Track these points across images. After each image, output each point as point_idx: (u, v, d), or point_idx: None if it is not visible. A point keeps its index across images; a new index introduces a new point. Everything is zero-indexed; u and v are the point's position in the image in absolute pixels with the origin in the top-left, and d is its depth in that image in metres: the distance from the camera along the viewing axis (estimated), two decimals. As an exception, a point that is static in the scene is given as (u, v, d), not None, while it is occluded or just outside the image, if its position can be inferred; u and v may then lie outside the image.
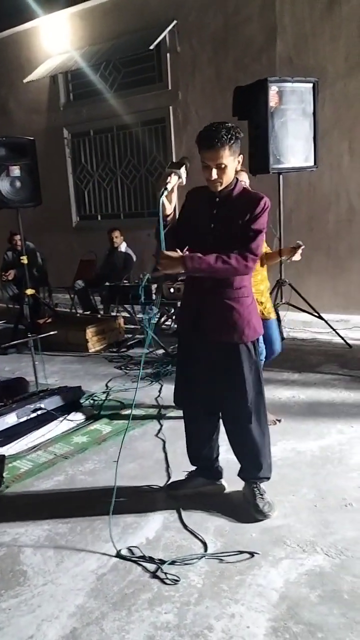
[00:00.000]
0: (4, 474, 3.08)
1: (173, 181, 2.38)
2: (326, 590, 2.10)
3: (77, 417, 3.89)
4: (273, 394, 4.07)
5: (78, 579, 2.26)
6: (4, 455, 3.19)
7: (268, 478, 2.71)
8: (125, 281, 6.23)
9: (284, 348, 3.79)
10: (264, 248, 3.41)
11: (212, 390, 2.59)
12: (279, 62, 6.59)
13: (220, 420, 2.73)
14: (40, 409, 3.79)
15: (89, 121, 8.74)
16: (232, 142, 2.33)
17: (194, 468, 2.87)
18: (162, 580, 2.21)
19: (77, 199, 9.34)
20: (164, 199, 2.35)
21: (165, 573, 2.24)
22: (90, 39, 8.33)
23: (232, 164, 2.38)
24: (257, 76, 5.24)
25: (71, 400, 4.03)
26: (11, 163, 4.97)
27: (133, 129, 8.27)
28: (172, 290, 5.57)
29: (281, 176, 5.20)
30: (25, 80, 8.76)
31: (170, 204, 2.40)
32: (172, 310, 5.91)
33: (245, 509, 2.63)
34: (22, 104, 9.42)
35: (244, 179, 3.25)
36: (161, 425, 3.72)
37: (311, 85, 5.11)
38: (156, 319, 6.51)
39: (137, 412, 4.01)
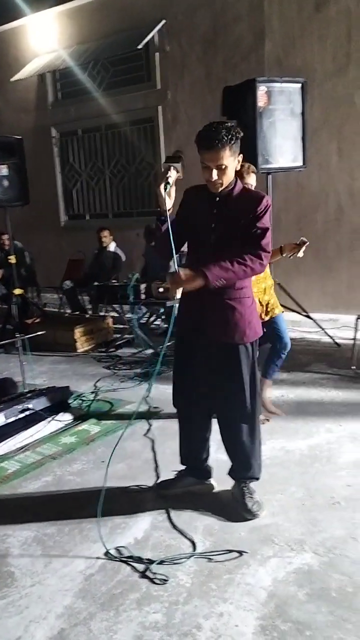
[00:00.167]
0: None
1: (173, 175, 2.36)
2: (314, 588, 2.11)
3: (65, 417, 3.88)
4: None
5: (66, 580, 2.24)
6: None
7: (257, 478, 2.71)
8: (113, 281, 6.21)
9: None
10: None
11: (210, 391, 2.58)
12: (268, 62, 6.61)
13: (213, 420, 2.73)
14: (28, 409, 3.77)
15: (77, 120, 8.70)
16: (232, 142, 2.30)
17: (183, 467, 2.86)
18: (150, 580, 2.20)
19: (65, 198, 9.30)
20: (163, 193, 2.34)
21: (154, 573, 2.24)
22: (78, 38, 8.30)
23: (232, 164, 2.36)
24: (246, 76, 5.24)
25: (59, 400, 4.01)
26: (-1, 162, 4.93)
27: (122, 128, 8.24)
28: (160, 290, 5.56)
29: (270, 176, 5.20)
30: (12, 79, 8.71)
31: (170, 199, 2.38)
32: (161, 310, 5.90)
33: (234, 508, 2.63)
34: (9, 102, 9.36)
35: (252, 182, 3.23)
36: (150, 425, 3.71)
37: (299, 85, 5.12)
38: (145, 319, 6.51)
39: (125, 411, 4.00)
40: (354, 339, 4.71)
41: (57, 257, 8.49)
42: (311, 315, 5.48)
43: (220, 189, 2.40)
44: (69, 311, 7.16)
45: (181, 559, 2.31)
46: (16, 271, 5.25)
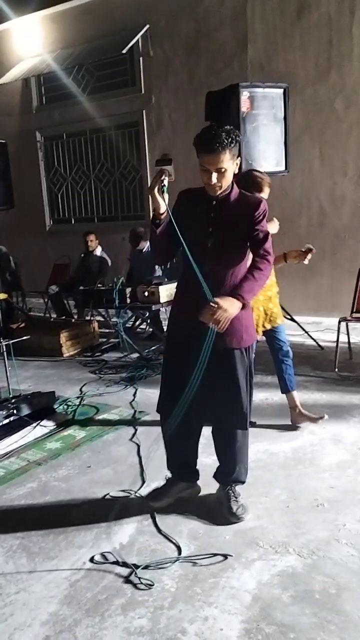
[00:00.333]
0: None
1: (166, 178, 2.35)
2: (298, 590, 2.13)
3: (51, 422, 3.86)
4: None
5: (51, 586, 2.24)
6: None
7: (243, 482, 2.73)
8: (99, 285, 6.21)
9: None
10: None
11: (205, 397, 2.51)
12: (251, 67, 6.67)
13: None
14: (13, 415, 3.75)
15: (62, 124, 8.70)
16: (232, 145, 2.28)
17: (170, 472, 2.84)
18: (135, 585, 2.21)
19: (50, 202, 9.28)
20: (158, 196, 2.32)
21: (139, 578, 2.24)
22: (62, 42, 8.30)
23: (231, 168, 2.33)
24: (229, 81, 5.29)
25: (44, 405, 4.00)
26: (-18, 166, 4.92)
27: (106, 132, 8.26)
28: (146, 294, 5.57)
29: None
30: (-4, 83, 8.69)
31: (164, 202, 2.36)
32: (147, 314, 5.91)
33: (219, 511, 2.64)
34: (-7, 106, 9.33)
35: (266, 196, 3.26)
36: (135, 430, 3.71)
37: (282, 90, 5.17)
38: (130, 323, 6.52)
39: (111, 416, 4.00)
40: (337, 341, 4.76)
41: (42, 262, 8.47)
42: (295, 318, 5.52)
43: (218, 192, 2.39)
44: (54, 316, 7.14)
45: (166, 563, 2.32)
46: (1, 276, 5.24)
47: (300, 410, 3.59)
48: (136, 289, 5.66)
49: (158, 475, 3.02)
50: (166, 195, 2.35)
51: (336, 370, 4.66)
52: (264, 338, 3.54)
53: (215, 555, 2.35)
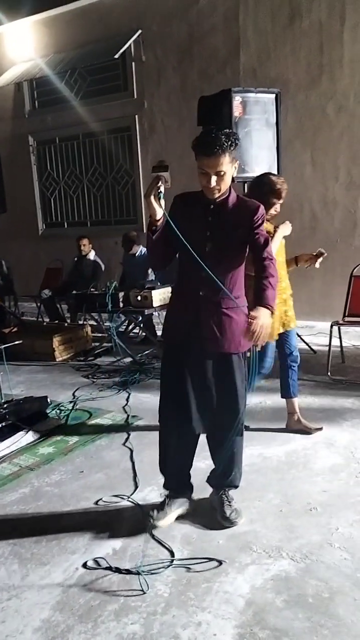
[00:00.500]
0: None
1: (163, 184, 2.33)
2: (291, 594, 2.13)
3: (43, 427, 3.84)
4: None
5: (43, 593, 2.23)
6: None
7: (237, 486, 2.72)
8: (92, 289, 6.21)
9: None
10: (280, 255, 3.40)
11: (204, 404, 2.49)
12: (243, 72, 6.71)
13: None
14: (6, 420, 3.73)
15: (54, 129, 8.70)
16: (231, 148, 2.26)
17: (167, 489, 2.73)
18: (128, 591, 2.20)
19: (43, 206, 9.27)
20: (155, 203, 2.30)
21: (132, 583, 2.23)
22: (55, 47, 8.32)
23: (230, 171, 2.31)
24: (222, 86, 5.31)
25: (37, 410, 3.98)
26: (-26, 170, 4.91)
27: (99, 137, 8.27)
28: (139, 298, 5.57)
29: (246, 185, 5.27)
30: (-11, 87, 8.68)
31: (161, 208, 2.33)
32: (140, 318, 5.91)
33: (213, 516, 2.64)
34: (-14, 111, 9.32)
35: (287, 231, 3.37)
36: (128, 434, 3.71)
37: (274, 95, 5.21)
38: (123, 327, 6.51)
39: (103, 421, 3.99)
40: (329, 345, 4.78)
41: (35, 266, 8.46)
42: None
43: (217, 196, 2.37)
44: (47, 320, 7.12)
45: (159, 568, 2.31)
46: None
47: (299, 417, 3.59)
48: (129, 293, 5.65)
49: (151, 480, 3.01)
50: (162, 202, 2.33)
51: (329, 374, 4.67)
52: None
53: (208, 560, 2.35)
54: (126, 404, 4.29)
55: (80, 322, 6.66)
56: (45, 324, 6.85)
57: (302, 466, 3.15)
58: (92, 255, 7.09)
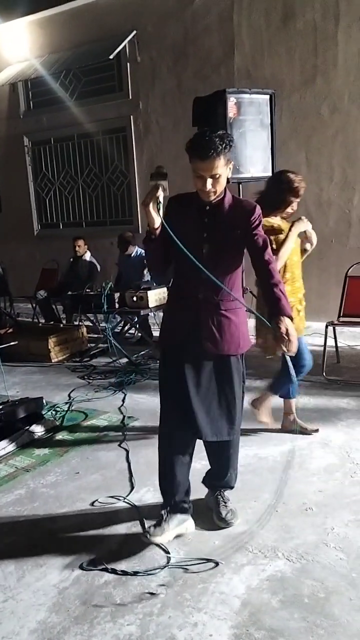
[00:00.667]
0: None
1: (161, 192, 2.28)
2: (287, 595, 2.14)
3: (39, 428, 3.84)
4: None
5: (39, 594, 2.23)
6: None
7: (232, 487, 2.73)
8: (88, 290, 6.20)
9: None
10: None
11: (207, 407, 2.43)
12: (237, 73, 6.72)
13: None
14: (1, 421, 3.73)
15: (49, 129, 8.69)
16: (226, 150, 2.22)
17: (165, 507, 2.58)
18: (124, 592, 2.20)
19: (38, 207, 9.26)
20: (153, 211, 2.25)
21: (128, 584, 2.23)
22: (50, 48, 8.31)
23: (225, 173, 2.28)
24: (216, 87, 5.31)
25: (33, 411, 3.97)
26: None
27: (94, 137, 8.27)
28: (134, 298, 5.58)
29: (241, 185, 5.28)
30: (-17, 88, 8.67)
31: (159, 217, 2.29)
32: (136, 319, 5.91)
33: (208, 517, 2.65)
34: (-20, 111, 9.30)
35: (303, 227, 3.31)
36: (124, 435, 3.71)
37: (268, 96, 5.21)
38: (119, 328, 6.52)
39: (99, 422, 3.99)
40: (324, 345, 4.79)
41: (30, 266, 8.45)
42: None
43: (212, 198, 2.32)
44: (42, 321, 7.12)
45: (155, 569, 2.31)
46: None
47: (295, 418, 3.60)
48: (125, 294, 5.66)
49: (147, 480, 3.02)
50: (161, 210, 2.30)
51: (324, 374, 4.68)
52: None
53: (204, 560, 2.35)
54: (122, 405, 4.29)
55: (76, 323, 6.65)
56: (40, 324, 6.84)
57: (297, 466, 3.15)
58: (87, 256, 7.09)
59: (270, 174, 5.29)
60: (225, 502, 2.67)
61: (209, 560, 2.35)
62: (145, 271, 6.22)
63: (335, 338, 5.11)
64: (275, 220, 3.32)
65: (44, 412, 4.09)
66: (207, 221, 2.36)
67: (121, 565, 2.36)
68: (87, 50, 7.76)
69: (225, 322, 2.40)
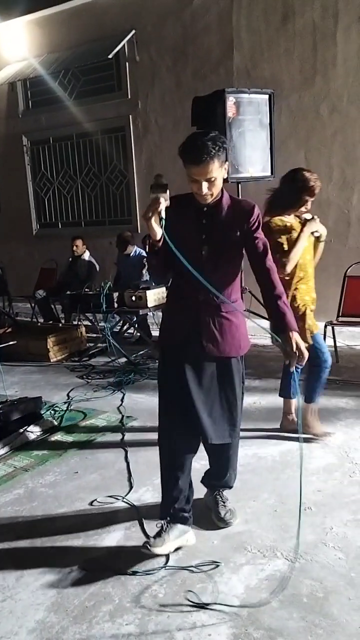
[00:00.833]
0: None
1: (163, 206, 2.20)
2: (286, 594, 2.13)
3: (38, 428, 3.84)
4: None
5: (38, 594, 2.22)
6: None
7: (231, 487, 2.72)
8: (86, 290, 6.20)
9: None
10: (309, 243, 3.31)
11: (205, 410, 2.38)
12: (236, 73, 6.72)
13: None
14: (0, 420, 3.72)
15: (48, 129, 8.69)
16: (220, 153, 2.16)
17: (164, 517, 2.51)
18: (123, 591, 2.20)
19: (37, 206, 9.25)
20: (155, 224, 2.18)
21: (127, 584, 2.23)
22: (48, 47, 8.30)
23: (220, 174, 2.22)
24: (215, 87, 5.32)
25: (31, 411, 3.97)
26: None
27: (93, 137, 8.26)
28: (133, 298, 5.57)
29: (240, 185, 5.28)
30: (-18, 87, 8.66)
31: (161, 229, 2.21)
32: (134, 319, 5.90)
33: (207, 516, 2.64)
34: (-21, 110, 9.30)
35: (315, 227, 3.27)
36: (123, 435, 3.70)
37: (267, 96, 5.22)
38: (118, 327, 6.51)
39: (98, 421, 3.99)
40: (324, 345, 4.78)
41: (29, 266, 8.45)
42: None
43: (209, 200, 2.28)
44: (41, 320, 7.11)
45: (154, 569, 2.31)
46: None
47: (294, 418, 3.59)
48: (123, 294, 5.65)
49: (146, 480, 3.02)
50: (163, 222, 2.22)
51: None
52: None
53: (203, 560, 2.35)
54: (121, 405, 4.28)
55: (75, 323, 6.65)
56: (39, 324, 6.84)
57: (296, 466, 3.14)
58: (86, 256, 7.08)
59: (269, 173, 5.31)
60: (224, 502, 2.67)
61: (207, 560, 2.35)
62: (144, 271, 6.22)
63: (334, 338, 5.11)
64: (289, 219, 3.28)
65: (42, 412, 4.09)
66: (205, 223, 2.32)
67: (120, 565, 2.35)
68: (86, 50, 7.76)
69: (226, 323, 2.37)
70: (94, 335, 6.44)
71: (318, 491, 2.86)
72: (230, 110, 5.00)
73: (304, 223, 3.30)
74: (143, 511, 2.75)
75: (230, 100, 5.00)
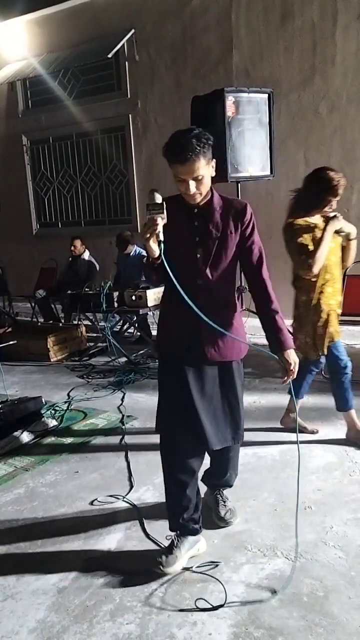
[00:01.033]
0: None
1: (161, 226, 2.09)
2: (286, 593, 2.14)
3: (38, 428, 3.84)
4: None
5: (39, 593, 2.23)
6: None
7: (231, 485, 2.73)
8: (86, 289, 6.21)
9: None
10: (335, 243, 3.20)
11: (208, 416, 2.33)
12: (236, 72, 6.71)
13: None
14: (0, 420, 3.73)
15: (48, 128, 8.68)
16: (205, 149, 2.09)
17: (173, 529, 2.44)
18: (124, 591, 2.20)
19: (37, 206, 9.24)
20: (154, 245, 2.09)
21: (127, 583, 2.24)
22: (48, 46, 8.29)
23: (208, 172, 2.15)
24: (215, 86, 5.31)
25: (32, 411, 3.97)
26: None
27: (93, 136, 8.25)
28: (133, 297, 5.57)
29: (239, 185, 5.28)
30: (-18, 87, 8.65)
31: (159, 248, 2.11)
32: (134, 318, 5.91)
33: (208, 516, 2.64)
34: (-21, 110, 9.29)
35: (340, 225, 3.16)
36: (123, 434, 3.71)
37: (266, 95, 5.21)
38: (118, 327, 6.51)
39: (98, 421, 3.99)
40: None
41: (29, 266, 8.44)
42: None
43: (199, 200, 2.21)
44: (41, 320, 7.11)
45: (154, 568, 2.31)
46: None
47: (296, 417, 3.58)
48: (123, 293, 5.66)
49: (146, 479, 3.03)
50: (162, 245, 2.13)
51: (323, 373, 4.67)
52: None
53: (203, 560, 2.35)
54: (121, 404, 4.29)
55: (75, 322, 6.65)
56: (39, 324, 6.84)
57: (296, 465, 3.15)
58: (86, 255, 7.08)
59: (268, 172, 5.31)
60: (224, 501, 2.67)
61: (208, 559, 2.35)
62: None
63: (334, 337, 5.10)
64: (313, 219, 3.20)
65: (43, 412, 4.09)
66: (198, 224, 2.24)
67: (120, 564, 2.36)
68: (86, 49, 7.75)
69: (227, 327, 2.30)
70: (94, 334, 6.44)
71: (318, 490, 2.87)
72: (230, 110, 5.00)
73: (326, 222, 3.18)
74: (143, 511, 2.76)
75: (230, 100, 4.99)
